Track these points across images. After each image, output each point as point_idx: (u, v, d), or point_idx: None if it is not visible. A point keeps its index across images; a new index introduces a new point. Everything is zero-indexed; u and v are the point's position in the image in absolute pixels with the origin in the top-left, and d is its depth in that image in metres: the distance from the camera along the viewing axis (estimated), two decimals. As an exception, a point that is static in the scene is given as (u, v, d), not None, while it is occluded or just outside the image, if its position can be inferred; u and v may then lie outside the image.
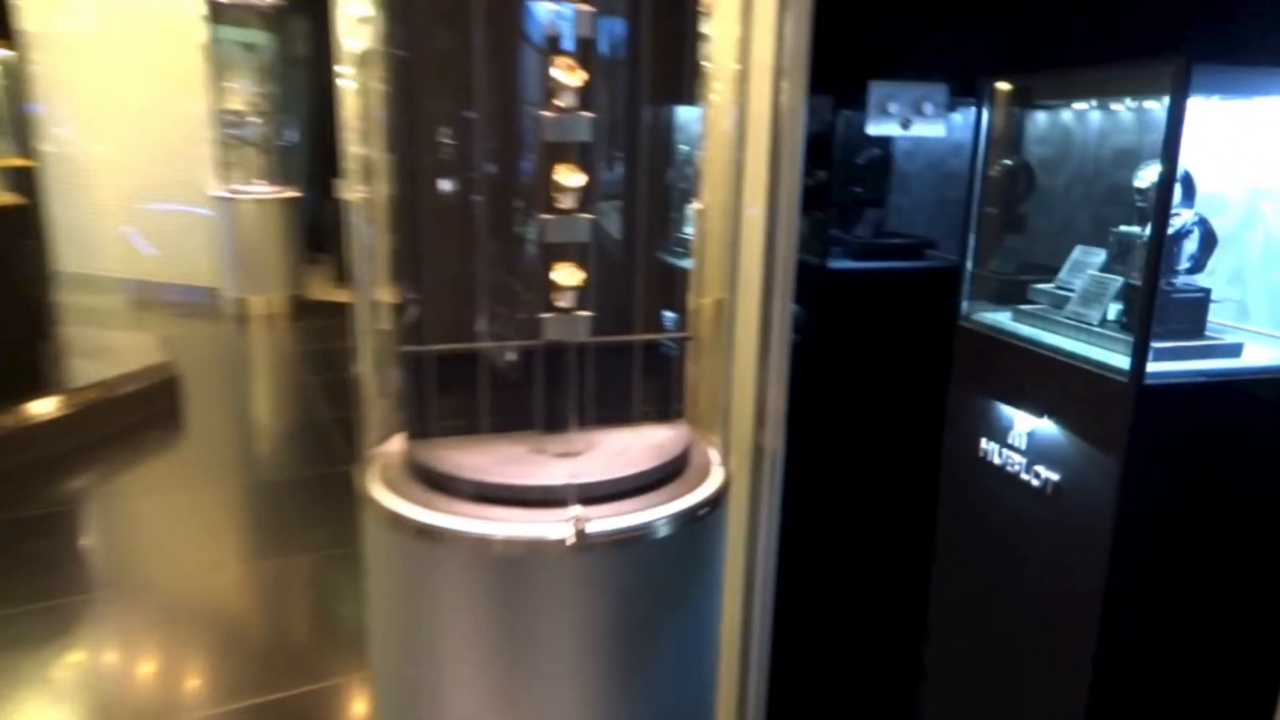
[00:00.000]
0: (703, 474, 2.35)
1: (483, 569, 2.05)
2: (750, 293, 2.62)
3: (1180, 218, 2.21)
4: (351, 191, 2.26)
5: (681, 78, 2.26)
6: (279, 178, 10.53)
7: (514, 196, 2.23)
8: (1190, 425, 2.26)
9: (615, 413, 2.43)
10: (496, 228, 2.23)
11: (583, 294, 2.19)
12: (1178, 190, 2.29)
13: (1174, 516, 2.32)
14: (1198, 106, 2.20)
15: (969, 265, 2.68)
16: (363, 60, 2.14)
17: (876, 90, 2.76)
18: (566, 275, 2.25)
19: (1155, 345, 2.20)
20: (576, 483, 2.09)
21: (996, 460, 2.58)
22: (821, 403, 2.97)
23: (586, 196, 2.13)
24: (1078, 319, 2.39)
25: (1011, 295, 2.72)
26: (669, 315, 2.46)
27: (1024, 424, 2.47)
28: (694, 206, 2.42)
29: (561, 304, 2.19)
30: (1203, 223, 2.30)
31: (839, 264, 3.08)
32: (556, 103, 2.08)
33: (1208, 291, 2.30)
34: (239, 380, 8.58)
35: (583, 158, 2.12)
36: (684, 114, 2.30)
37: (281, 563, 4.88)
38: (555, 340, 2.21)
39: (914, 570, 3.07)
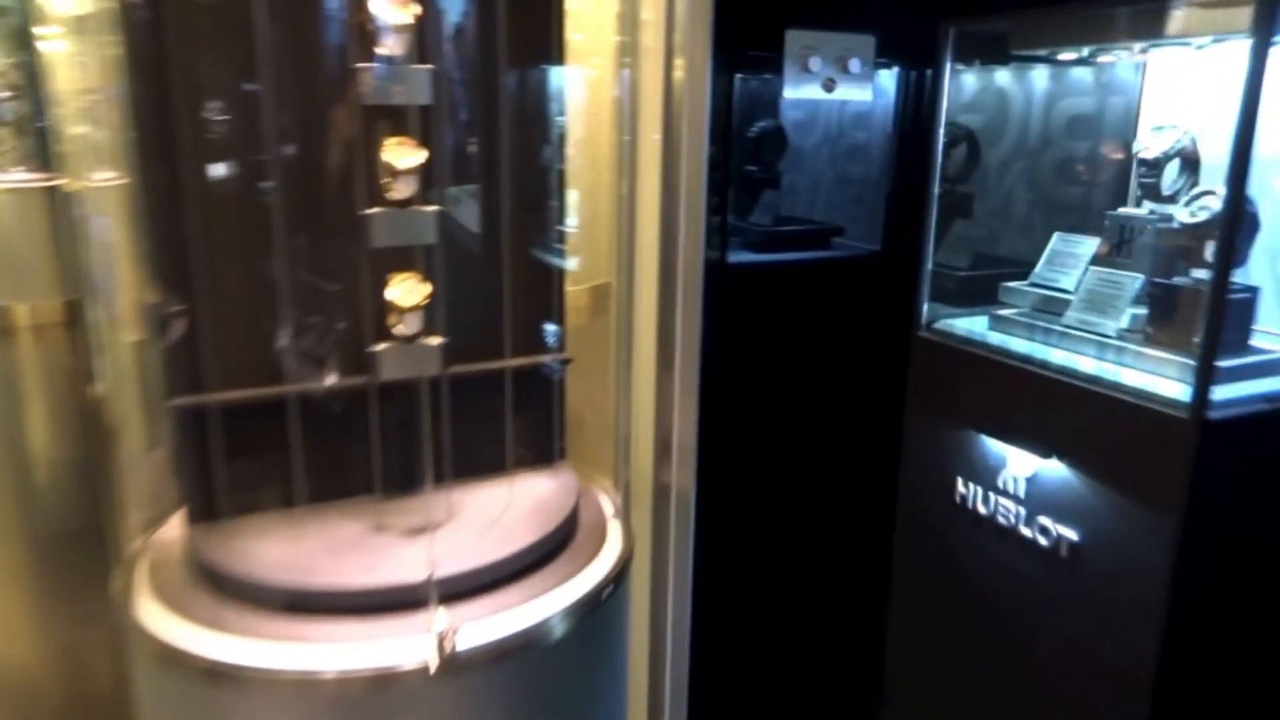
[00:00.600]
0: (598, 536, 2.01)
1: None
2: (646, 297, 2.07)
3: (1210, 199, 1.81)
4: (79, 180, 1.57)
5: (551, 20, 1.67)
6: (42, 163, 9.08)
7: (324, 183, 1.58)
8: (1260, 465, 1.85)
9: (482, 463, 2.05)
10: (301, 228, 1.58)
11: (430, 314, 1.72)
12: (1173, 167, 1.90)
13: (1237, 581, 1.92)
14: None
15: (929, 261, 2.21)
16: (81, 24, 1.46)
17: (795, 41, 2.27)
18: (406, 291, 1.64)
19: (1189, 361, 1.77)
20: (437, 576, 1.65)
21: (982, 508, 2.11)
22: (733, 428, 2.47)
23: (429, 182, 1.50)
24: (1085, 328, 1.93)
25: (973, 295, 2.28)
26: (549, 329, 2.08)
27: (1022, 465, 2.00)
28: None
29: (401, 329, 1.56)
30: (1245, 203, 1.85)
31: (737, 257, 2.59)
32: (379, 50, 1.43)
33: (1256, 291, 1.91)
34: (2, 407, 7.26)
35: (422, 129, 1.61)
36: (559, 76, 1.73)
37: (62, 637, 3.93)
38: (394, 379, 1.58)
39: (862, 640, 2.62)
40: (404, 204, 1.74)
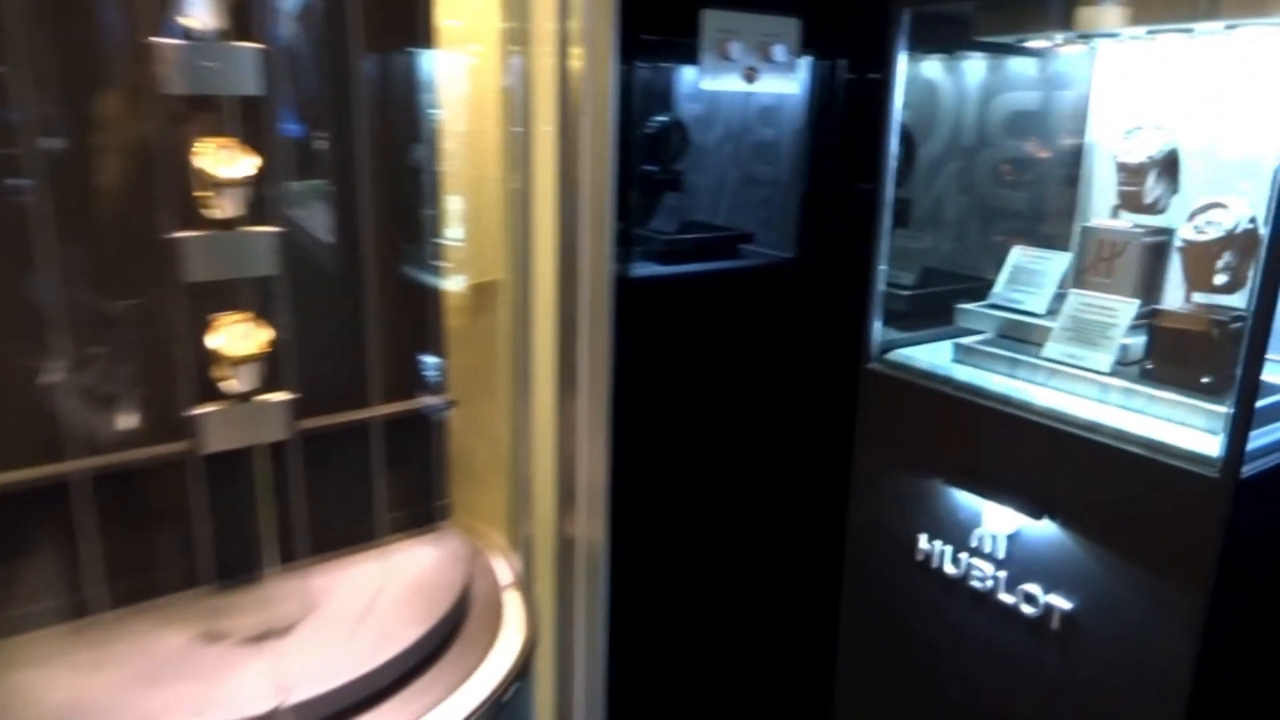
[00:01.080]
0: (493, 616, 1.73)
1: None
2: (543, 312, 1.78)
3: (1219, 212, 1.57)
4: None
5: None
6: None
7: (112, 200, 1.21)
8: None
9: (345, 535, 1.74)
10: (84, 258, 1.22)
11: (273, 363, 1.42)
12: (1152, 175, 1.69)
13: (1267, 657, 1.73)
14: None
15: (880, 281, 1.92)
16: None
17: (713, 23, 1.96)
18: (236, 337, 1.25)
19: (1212, 409, 1.51)
20: (291, 702, 1.31)
21: (950, 569, 1.84)
22: (648, 468, 2.18)
23: (263, 195, 1.14)
24: (1072, 362, 1.67)
25: (918, 316, 2.02)
26: (426, 364, 1.80)
27: (1001, 521, 1.74)
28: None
29: (232, 386, 1.20)
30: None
31: (641, 269, 2.28)
32: (185, 21, 1.06)
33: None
34: None
35: (251, 127, 1.31)
36: (430, 63, 1.65)
37: None
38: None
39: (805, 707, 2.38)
40: (228, 225, 1.35)
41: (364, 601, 1.66)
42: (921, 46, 1.88)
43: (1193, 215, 1.57)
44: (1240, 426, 1.31)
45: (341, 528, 1.77)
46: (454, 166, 1.80)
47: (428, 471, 1.91)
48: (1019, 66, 2.20)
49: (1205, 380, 1.52)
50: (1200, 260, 1.53)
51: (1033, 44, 1.93)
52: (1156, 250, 1.72)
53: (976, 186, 2.32)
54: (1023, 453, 1.62)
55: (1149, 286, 1.71)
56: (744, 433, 2.41)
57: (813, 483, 2.32)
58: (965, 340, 1.84)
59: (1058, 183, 2.17)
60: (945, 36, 2.06)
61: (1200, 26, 1.61)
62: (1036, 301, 1.86)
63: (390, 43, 1.63)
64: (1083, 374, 1.61)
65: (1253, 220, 1.53)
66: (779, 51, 2.10)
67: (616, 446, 2.08)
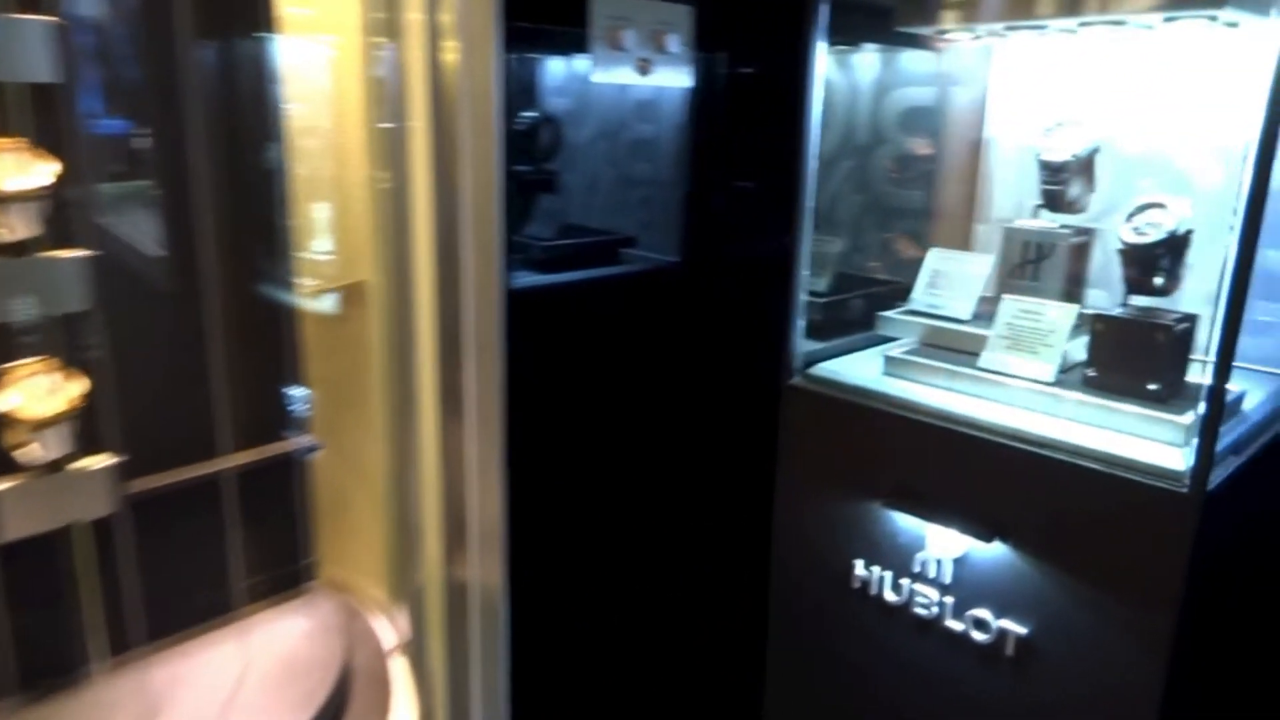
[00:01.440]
0: (379, 690, 1.52)
1: None
2: (424, 336, 1.61)
3: (1157, 213, 1.48)
4: None
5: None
6: None
7: None
8: (1248, 536, 1.57)
9: (193, 611, 1.49)
10: None
11: (90, 418, 1.17)
12: (1076, 174, 1.61)
13: (1234, 668, 1.67)
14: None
15: (801, 290, 1.75)
16: None
17: (604, 9, 1.75)
18: (37, 394, 0.99)
19: (1171, 419, 1.42)
20: None
21: (891, 596, 1.70)
22: (546, 502, 1.98)
23: (67, 210, 0.89)
24: (1013, 373, 1.55)
25: (833, 325, 1.88)
26: (288, 399, 1.55)
27: (947, 545, 1.61)
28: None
29: (33, 454, 0.94)
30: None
31: (522, 280, 2.08)
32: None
33: (1195, 320, 1.60)
34: None
35: (44, 123, 1.05)
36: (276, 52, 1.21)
37: None
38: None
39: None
40: (20, 249, 1.06)
41: (221, 695, 1.38)
42: (835, 39, 1.75)
43: (1131, 216, 1.50)
44: (1209, 437, 1.24)
45: (188, 604, 1.50)
46: (315, 168, 1.54)
47: (291, 527, 1.65)
48: (915, 61, 2.11)
49: (1153, 387, 1.45)
50: (1141, 262, 1.47)
51: (953, 37, 1.83)
52: (1082, 251, 1.66)
53: (874, 185, 2.22)
54: (968, 471, 1.51)
55: (1075, 289, 1.65)
56: (652, 455, 2.24)
57: (733, 510, 2.17)
58: (895, 351, 1.72)
59: (956, 180, 2.10)
60: (854, 28, 1.94)
61: (1136, 19, 1.54)
62: (961, 306, 1.76)
63: (226, 26, 1.35)
64: (1025, 384, 1.51)
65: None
66: (673, 42, 1.93)
67: (511, 477, 1.86)
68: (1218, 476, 1.29)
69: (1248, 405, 1.58)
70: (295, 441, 1.62)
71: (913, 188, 2.17)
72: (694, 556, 2.24)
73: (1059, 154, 1.57)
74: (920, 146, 2.15)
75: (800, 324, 1.73)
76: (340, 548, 1.78)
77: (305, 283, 1.74)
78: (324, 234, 1.71)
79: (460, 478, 1.83)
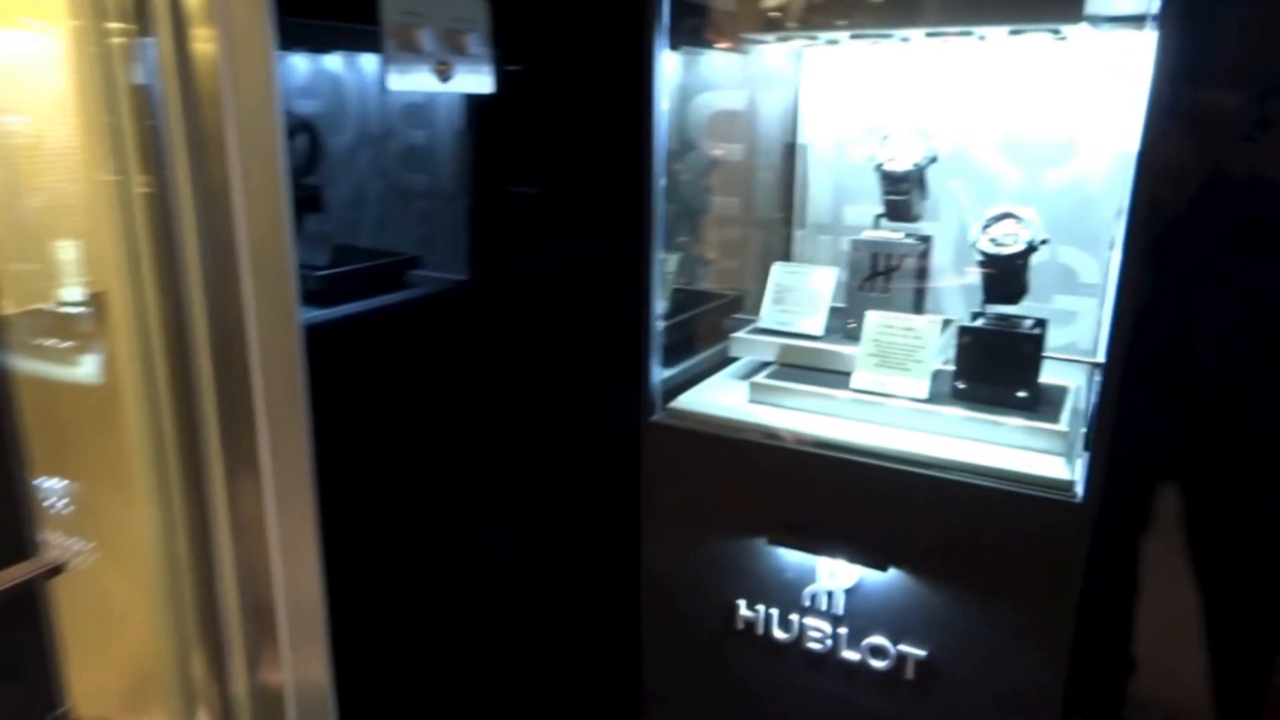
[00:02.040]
0: None
1: None
2: (205, 387, 1.36)
3: (1012, 224, 1.46)
4: None
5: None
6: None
7: None
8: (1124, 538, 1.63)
9: None
10: None
11: None
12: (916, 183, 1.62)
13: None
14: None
15: (655, 318, 1.58)
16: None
17: (395, 6, 1.49)
18: None
19: (1048, 426, 1.43)
20: None
21: (780, 634, 1.59)
22: (370, 575, 1.73)
23: None
24: (885, 390, 1.48)
25: (678, 346, 1.75)
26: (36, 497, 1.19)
27: (837, 575, 1.53)
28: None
29: None
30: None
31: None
32: None
33: (1045, 324, 1.62)
34: None
35: None
36: None
37: None
38: None
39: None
40: None
41: None
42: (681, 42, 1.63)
43: (986, 226, 1.53)
44: (1102, 446, 1.27)
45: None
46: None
47: (28, 673, 1.27)
48: (723, 65, 2.05)
49: (1022, 395, 1.48)
50: (1001, 272, 1.50)
51: (763, 41, 1.77)
52: (925, 260, 1.68)
53: (683, 194, 2.15)
54: (854, 499, 1.46)
55: (923, 300, 1.67)
56: (486, 507, 2.02)
57: (595, 563, 2.00)
58: (760, 377, 1.63)
59: (768, 188, 2.08)
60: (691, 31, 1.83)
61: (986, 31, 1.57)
62: (811, 322, 1.72)
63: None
64: (899, 403, 1.49)
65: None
66: (472, 42, 1.71)
67: (328, 551, 1.59)
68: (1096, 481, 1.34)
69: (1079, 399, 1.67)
70: (29, 567, 1.25)
71: (727, 195, 2.12)
72: (556, 620, 2.05)
73: (901, 164, 1.57)
74: (732, 153, 2.11)
75: (656, 352, 1.59)
76: (96, 677, 1.43)
77: (49, 344, 1.38)
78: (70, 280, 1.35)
79: (262, 556, 1.52)
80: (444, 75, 1.69)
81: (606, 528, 1.91)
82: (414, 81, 1.66)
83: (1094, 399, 1.28)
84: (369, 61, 2.34)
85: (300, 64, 2.54)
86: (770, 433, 1.53)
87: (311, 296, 2.01)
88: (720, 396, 1.65)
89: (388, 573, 1.87)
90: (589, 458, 2.00)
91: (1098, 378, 1.30)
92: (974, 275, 1.81)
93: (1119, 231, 1.56)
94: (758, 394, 1.59)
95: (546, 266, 2.31)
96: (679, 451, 1.58)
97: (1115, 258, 1.74)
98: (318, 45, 2.27)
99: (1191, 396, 1.68)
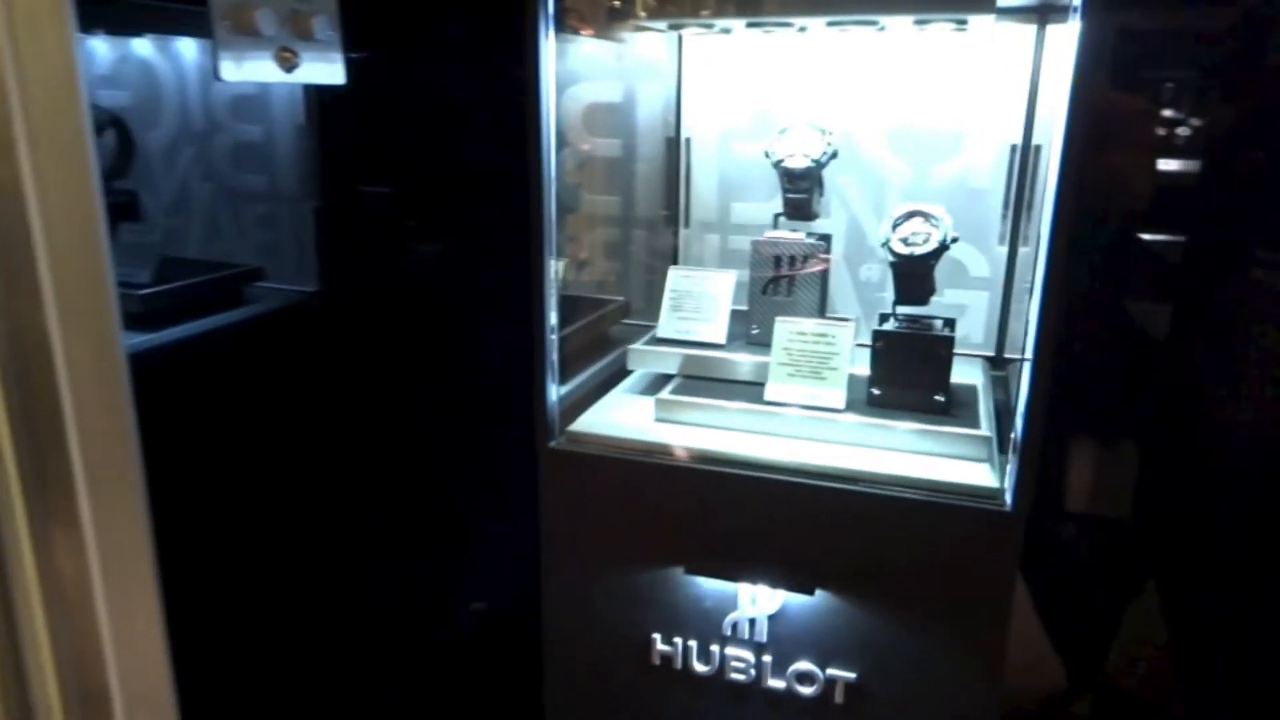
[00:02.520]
0: None
1: None
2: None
3: (920, 222, 1.39)
4: None
5: None
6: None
7: None
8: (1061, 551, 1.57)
9: None
10: None
11: None
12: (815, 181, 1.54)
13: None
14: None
15: (551, 331, 1.41)
16: None
17: None
18: None
19: (972, 432, 1.39)
20: None
21: (700, 666, 1.47)
22: (225, 644, 1.54)
23: None
24: (801, 402, 1.38)
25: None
26: None
27: (758, 602, 1.41)
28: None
29: None
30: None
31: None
32: None
33: (953, 324, 1.52)
34: None
35: None
36: None
37: None
38: None
39: None
40: None
41: None
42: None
43: (896, 225, 1.46)
44: (1030, 454, 1.23)
45: None
46: None
47: None
48: (595, 54, 1.92)
49: (939, 399, 1.44)
50: (912, 272, 1.44)
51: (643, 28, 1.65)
52: (825, 261, 1.61)
53: (559, 193, 2.00)
54: (775, 520, 1.38)
55: (825, 302, 1.59)
56: (360, 552, 1.81)
57: (489, 605, 1.83)
58: (666, 394, 1.51)
59: (650, 185, 1.97)
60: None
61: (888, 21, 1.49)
62: (713, 330, 1.61)
63: None
64: (816, 414, 1.40)
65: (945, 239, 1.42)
66: (320, 26, 1.51)
67: (174, 615, 1.36)
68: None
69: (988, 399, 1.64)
70: None
71: (606, 193, 1.99)
72: (442, 671, 1.86)
73: (800, 160, 1.49)
74: (610, 148, 1.98)
75: (551, 369, 1.44)
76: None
77: None
78: None
79: (91, 627, 1.29)
80: (288, 65, 1.48)
81: (500, 566, 1.76)
82: (253, 71, 1.44)
83: (1021, 403, 1.25)
84: (186, 46, 2.07)
85: (100, 48, 2.24)
86: (681, 454, 1.43)
87: (134, 319, 1.76)
88: (623, 415, 1.52)
89: (247, 634, 1.64)
90: (477, 491, 1.84)
91: (1025, 378, 1.26)
92: (870, 275, 1.79)
93: (1023, 226, 1.57)
94: (665, 411, 1.47)
95: (409, 274, 2.12)
96: (582, 480, 1.45)
97: (1004, 251, 1.78)
98: (122, 27, 2.00)
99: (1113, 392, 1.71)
